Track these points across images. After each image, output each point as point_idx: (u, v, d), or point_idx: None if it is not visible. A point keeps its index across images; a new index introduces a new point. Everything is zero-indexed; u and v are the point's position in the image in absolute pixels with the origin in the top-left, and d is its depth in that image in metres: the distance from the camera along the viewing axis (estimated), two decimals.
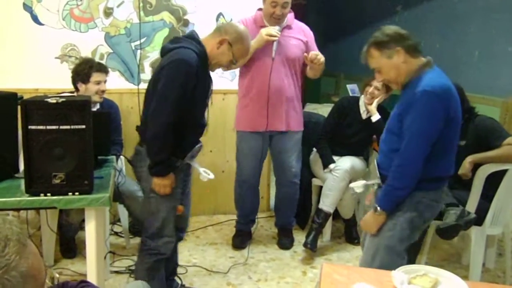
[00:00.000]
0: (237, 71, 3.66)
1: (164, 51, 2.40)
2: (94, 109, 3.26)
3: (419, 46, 2.24)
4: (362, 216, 4.06)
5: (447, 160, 2.20)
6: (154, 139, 2.29)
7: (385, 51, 2.19)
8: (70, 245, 3.31)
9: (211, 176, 2.56)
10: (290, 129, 3.45)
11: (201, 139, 2.57)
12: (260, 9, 3.36)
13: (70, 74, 3.28)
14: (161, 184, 2.36)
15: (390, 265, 2.04)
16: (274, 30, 3.18)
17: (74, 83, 3.25)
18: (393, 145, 2.18)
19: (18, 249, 0.90)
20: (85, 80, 3.18)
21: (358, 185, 2.51)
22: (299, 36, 3.38)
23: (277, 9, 3.18)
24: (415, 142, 2.09)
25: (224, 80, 3.98)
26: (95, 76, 3.19)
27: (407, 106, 2.12)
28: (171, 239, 2.50)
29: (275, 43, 3.24)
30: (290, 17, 3.36)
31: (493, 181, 2.85)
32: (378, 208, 2.19)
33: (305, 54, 3.25)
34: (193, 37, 2.42)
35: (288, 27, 3.36)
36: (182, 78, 2.25)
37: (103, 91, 3.26)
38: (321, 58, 3.23)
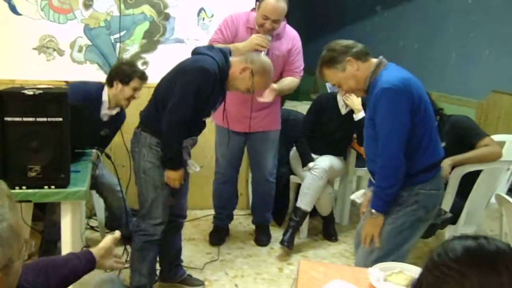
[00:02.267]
0: None
1: (194, 52, 2.57)
2: (114, 112, 3.20)
3: (366, 49, 2.27)
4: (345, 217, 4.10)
5: (432, 146, 2.22)
6: (169, 135, 2.45)
7: (338, 66, 2.24)
8: (51, 249, 3.15)
9: (197, 169, 2.67)
10: (268, 129, 3.46)
11: None
12: (254, 9, 3.26)
13: (109, 71, 3.22)
14: (174, 177, 2.51)
15: (387, 258, 2.10)
16: (265, 41, 3.10)
17: (111, 79, 3.12)
18: (375, 150, 2.20)
19: (9, 204, 0.93)
20: (124, 82, 3.08)
21: (358, 196, 2.50)
22: (286, 47, 3.31)
23: (267, 23, 3.09)
24: (389, 140, 2.12)
25: None
26: (135, 82, 3.10)
27: (374, 109, 2.16)
28: (160, 221, 2.60)
29: (263, 53, 3.11)
30: (281, 26, 3.25)
31: (468, 181, 2.89)
32: (373, 211, 2.21)
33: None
34: (224, 53, 2.54)
35: (277, 36, 3.27)
36: (200, 84, 2.40)
37: (134, 98, 3.17)
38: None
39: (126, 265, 3.01)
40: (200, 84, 2.39)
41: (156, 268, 2.80)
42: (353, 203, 2.55)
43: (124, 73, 3.10)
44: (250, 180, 4.03)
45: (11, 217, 0.92)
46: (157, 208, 2.57)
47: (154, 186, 2.55)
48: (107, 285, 2.22)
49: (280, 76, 3.39)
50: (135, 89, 3.11)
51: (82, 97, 3.00)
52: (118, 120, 3.31)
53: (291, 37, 3.38)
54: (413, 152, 2.15)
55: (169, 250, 2.86)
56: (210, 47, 2.59)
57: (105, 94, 3.14)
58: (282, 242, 3.47)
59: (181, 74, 2.44)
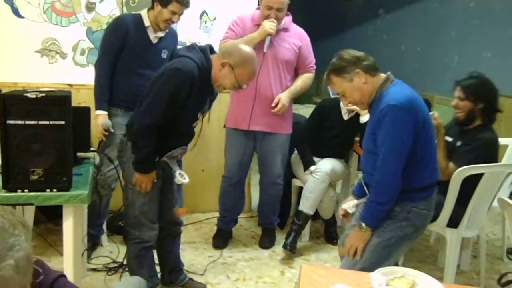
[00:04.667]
0: None
1: (175, 55, 2.49)
2: (163, 34, 3.20)
3: (376, 64, 2.28)
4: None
5: (431, 166, 2.24)
6: (138, 138, 2.39)
7: (345, 76, 2.24)
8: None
9: (186, 180, 2.59)
10: (275, 132, 3.46)
11: None
12: (258, 8, 3.38)
13: None
14: (142, 180, 2.45)
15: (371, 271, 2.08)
16: (274, 24, 3.21)
17: (153, 1, 3.14)
18: (374, 164, 2.21)
19: (25, 233, 0.95)
20: (164, 4, 3.06)
21: (350, 206, 2.49)
22: (294, 40, 3.39)
23: (271, 13, 3.21)
24: (390, 156, 2.13)
25: None
26: (174, 6, 3.06)
27: (377, 124, 2.17)
28: (152, 227, 2.59)
29: (267, 39, 3.25)
30: (288, 20, 3.39)
31: (468, 185, 2.88)
32: (363, 224, 2.21)
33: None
34: (204, 51, 2.45)
35: (285, 29, 3.37)
36: (175, 86, 2.32)
37: (173, 22, 3.15)
38: (279, 108, 3.34)
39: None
40: (175, 86, 2.31)
41: (156, 269, 2.80)
42: (345, 213, 2.53)
43: None
44: (252, 182, 4.02)
45: (27, 246, 0.94)
46: (147, 215, 2.54)
47: (142, 197, 2.51)
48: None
49: (295, 73, 3.48)
50: (174, 13, 3.09)
51: (132, 23, 3.12)
52: (170, 39, 3.31)
53: (299, 32, 3.46)
54: (412, 169, 2.16)
55: (168, 257, 2.86)
56: (190, 47, 2.50)
57: (147, 20, 3.15)
58: (285, 246, 3.46)
59: (158, 78, 2.37)
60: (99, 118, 3.08)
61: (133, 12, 3.41)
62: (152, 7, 3.14)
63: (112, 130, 3.13)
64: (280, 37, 3.33)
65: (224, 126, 3.60)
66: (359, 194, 2.47)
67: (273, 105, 3.33)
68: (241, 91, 3.31)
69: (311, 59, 3.49)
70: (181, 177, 2.58)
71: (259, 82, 3.31)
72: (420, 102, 2.18)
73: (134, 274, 2.63)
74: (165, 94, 2.32)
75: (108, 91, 3.13)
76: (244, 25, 3.35)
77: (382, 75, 2.25)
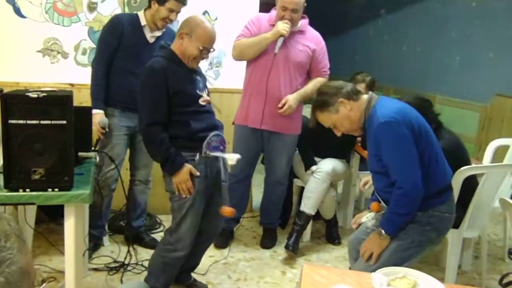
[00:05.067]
0: (222, 69, 3.83)
1: None
2: (160, 33, 3.18)
3: (356, 88, 2.31)
4: (343, 219, 4.09)
5: (441, 169, 2.24)
6: (146, 142, 2.51)
7: (331, 109, 2.26)
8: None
9: (236, 155, 2.59)
10: (283, 132, 3.45)
11: None
12: (275, 9, 3.37)
13: None
14: (177, 181, 2.46)
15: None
16: (288, 26, 3.21)
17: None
18: (386, 182, 2.23)
19: (19, 245, 0.91)
20: (161, 2, 3.04)
21: (369, 218, 2.50)
22: (309, 43, 3.37)
23: (286, 14, 3.21)
24: (405, 169, 2.13)
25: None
26: (171, 3, 3.04)
27: (376, 145, 2.18)
28: (185, 237, 2.56)
29: (280, 40, 3.23)
30: (304, 22, 3.39)
31: (469, 185, 2.88)
32: (383, 232, 2.21)
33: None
34: (162, 46, 2.62)
35: (300, 32, 3.37)
36: (151, 82, 2.45)
37: (171, 20, 3.13)
38: (285, 109, 3.30)
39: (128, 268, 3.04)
40: (150, 82, 2.44)
41: (172, 283, 2.75)
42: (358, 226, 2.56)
43: None
44: (254, 182, 4.01)
45: (21, 259, 0.89)
46: (185, 224, 2.53)
47: (182, 202, 2.51)
48: None
49: (307, 76, 3.45)
50: (171, 11, 3.07)
51: (128, 22, 3.12)
52: (167, 38, 3.21)
53: (315, 35, 3.46)
54: (424, 175, 2.15)
55: (189, 260, 2.78)
56: (158, 48, 2.66)
57: (143, 19, 3.14)
58: (287, 247, 3.46)
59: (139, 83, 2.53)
60: (96, 117, 3.06)
61: (134, 12, 3.40)
62: (149, 6, 3.12)
63: (107, 130, 3.12)
64: (294, 39, 3.32)
65: (233, 123, 3.59)
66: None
67: (279, 105, 3.32)
68: (254, 90, 3.36)
69: (325, 63, 3.47)
70: (232, 157, 2.58)
71: (269, 83, 3.31)
72: (409, 109, 2.20)
73: (153, 274, 2.65)
74: (146, 92, 2.46)
75: (104, 91, 3.12)
76: (260, 24, 3.36)
77: (365, 97, 2.27)
